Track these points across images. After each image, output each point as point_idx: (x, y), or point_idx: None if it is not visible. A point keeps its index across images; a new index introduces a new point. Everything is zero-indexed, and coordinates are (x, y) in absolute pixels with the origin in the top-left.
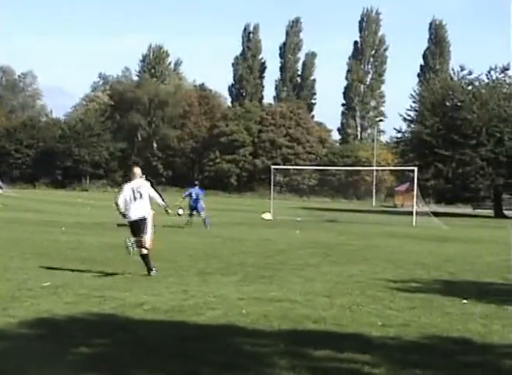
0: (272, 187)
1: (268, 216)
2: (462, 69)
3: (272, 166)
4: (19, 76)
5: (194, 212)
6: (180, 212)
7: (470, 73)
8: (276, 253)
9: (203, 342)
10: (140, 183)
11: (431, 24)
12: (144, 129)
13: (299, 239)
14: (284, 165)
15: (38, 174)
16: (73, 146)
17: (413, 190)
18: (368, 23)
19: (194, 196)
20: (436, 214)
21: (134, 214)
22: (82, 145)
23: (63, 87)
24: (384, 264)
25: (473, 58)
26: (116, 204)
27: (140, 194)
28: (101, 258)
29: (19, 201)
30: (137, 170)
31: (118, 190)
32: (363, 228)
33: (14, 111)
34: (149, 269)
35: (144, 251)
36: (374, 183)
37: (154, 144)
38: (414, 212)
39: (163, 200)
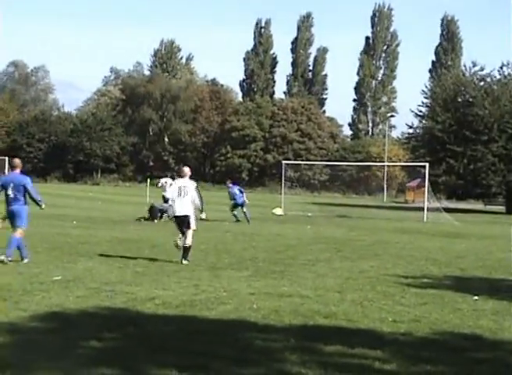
0: (283, 182)
1: (279, 211)
2: (474, 65)
3: (283, 161)
4: (31, 71)
5: (239, 208)
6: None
7: (482, 69)
8: (287, 248)
9: (213, 337)
10: (187, 182)
11: (442, 20)
12: (155, 123)
13: (310, 234)
14: (295, 160)
15: (50, 168)
16: (85, 140)
17: (424, 186)
18: (380, 18)
19: (238, 193)
20: (447, 210)
21: (179, 210)
22: (93, 139)
23: (75, 82)
24: (395, 260)
25: (485, 54)
26: (164, 197)
27: (186, 193)
28: (111, 253)
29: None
30: (187, 171)
31: (162, 186)
32: (374, 224)
33: (26, 105)
34: (184, 258)
35: (188, 244)
36: (385, 178)
37: (166, 139)
38: (425, 208)
39: (201, 203)
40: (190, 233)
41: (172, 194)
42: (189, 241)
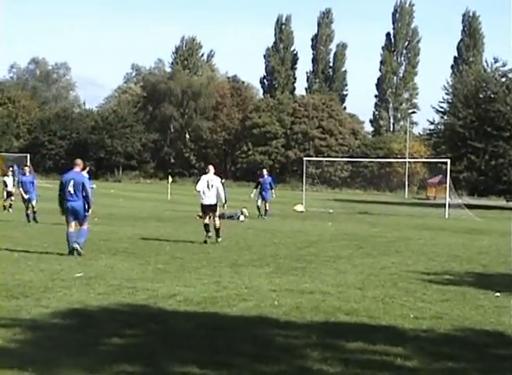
0: (304, 178)
1: (300, 207)
2: (496, 60)
3: (305, 158)
4: (52, 68)
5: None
6: (242, 218)
7: (503, 65)
8: (308, 245)
9: (235, 333)
10: (213, 177)
11: (464, 16)
12: (176, 120)
13: (331, 231)
14: (316, 156)
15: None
16: (106, 137)
17: (445, 182)
18: (402, 14)
19: (267, 185)
20: (469, 206)
21: (207, 200)
22: (115, 136)
23: (96, 79)
24: (416, 256)
25: (507, 50)
26: (196, 189)
27: (213, 186)
28: (133, 250)
29: (53, 193)
30: (211, 168)
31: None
32: (395, 220)
33: (47, 102)
34: (218, 236)
35: (218, 226)
36: (406, 175)
37: (187, 136)
38: (447, 205)
39: (225, 197)
40: (216, 217)
41: (201, 187)
42: (218, 223)
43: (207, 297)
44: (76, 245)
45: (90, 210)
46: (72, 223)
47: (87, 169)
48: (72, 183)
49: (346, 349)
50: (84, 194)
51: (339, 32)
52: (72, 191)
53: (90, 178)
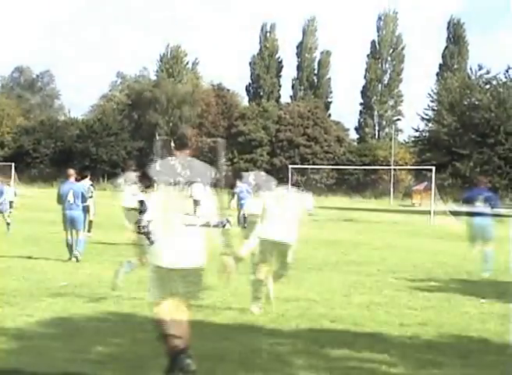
0: (289, 186)
1: None
2: (480, 68)
3: (290, 166)
4: (37, 76)
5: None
6: (228, 226)
7: (488, 72)
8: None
9: (220, 341)
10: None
11: (449, 23)
12: (161, 128)
13: (316, 238)
14: (302, 164)
15: (56, 173)
16: (91, 145)
17: (430, 189)
18: (386, 22)
19: (243, 193)
20: (454, 213)
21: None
22: (100, 145)
23: (81, 87)
24: (402, 263)
25: (491, 57)
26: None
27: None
28: (118, 258)
29: (38, 201)
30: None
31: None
32: (381, 227)
33: (32, 110)
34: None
35: None
36: (392, 182)
37: (172, 144)
38: (432, 211)
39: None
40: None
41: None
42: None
43: (192, 304)
44: (76, 253)
45: (92, 216)
46: (71, 231)
47: (88, 177)
48: (71, 193)
49: (331, 356)
50: (84, 204)
51: (324, 40)
52: (71, 201)
53: (92, 185)
